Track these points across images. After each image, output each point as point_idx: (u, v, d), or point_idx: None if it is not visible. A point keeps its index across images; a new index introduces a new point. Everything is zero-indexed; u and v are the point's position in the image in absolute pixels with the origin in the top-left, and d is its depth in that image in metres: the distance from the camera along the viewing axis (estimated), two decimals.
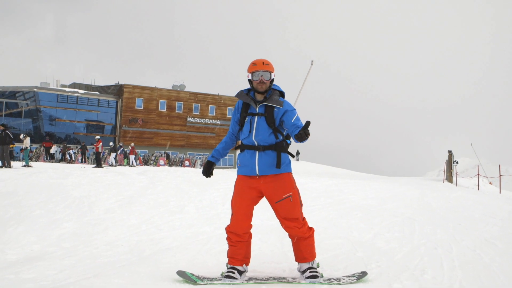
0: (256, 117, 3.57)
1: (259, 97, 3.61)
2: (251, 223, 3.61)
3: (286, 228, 3.57)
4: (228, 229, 3.58)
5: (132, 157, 28.47)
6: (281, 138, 3.59)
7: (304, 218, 3.60)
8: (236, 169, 3.74)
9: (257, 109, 3.58)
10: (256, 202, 3.64)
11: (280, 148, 3.57)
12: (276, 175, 3.55)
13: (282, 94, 3.73)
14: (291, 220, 3.51)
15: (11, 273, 3.90)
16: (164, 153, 38.92)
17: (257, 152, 3.55)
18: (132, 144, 29.78)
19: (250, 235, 3.61)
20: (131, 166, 25.53)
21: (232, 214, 3.60)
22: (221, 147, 3.78)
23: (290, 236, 3.65)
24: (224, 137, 3.84)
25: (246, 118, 3.61)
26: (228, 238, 3.60)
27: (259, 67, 3.55)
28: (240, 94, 3.66)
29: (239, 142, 3.75)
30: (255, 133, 3.56)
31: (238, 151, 3.74)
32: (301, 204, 3.60)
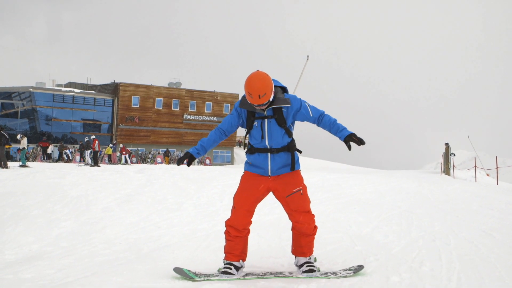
0: (266, 120, 3.48)
1: None
2: (252, 220, 3.59)
3: (296, 221, 3.52)
4: (228, 223, 3.53)
5: (125, 156, 28.79)
6: (292, 137, 3.58)
7: (313, 215, 3.58)
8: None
9: (265, 112, 3.48)
10: (261, 200, 3.61)
11: (292, 148, 3.56)
12: (287, 173, 3.55)
13: (284, 89, 3.63)
14: (302, 213, 3.48)
15: (10, 273, 3.89)
16: (167, 150, 38.83)
17: (269, 154, 3.52)
18: (122, 145, 30.15)
19: (248, 232, 3.60)
20: (123, 165, 25.70)
21: (234, 208, 3.55)
22: (208, 144, 3.60)
23: (293, 229, 3.61)
24: (212, 132, 3.65)
25: (255, 122, 3.51)
26: (226, 232, 3.56)
27: (255, 101, 3.32)
28: (243, 103, 3.49)
29: (247, 143, 3.65)
30: (269, 138, 3.50)
31: (244, 149, 3.70)
32: (309, 200, 3.61)
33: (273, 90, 3.39)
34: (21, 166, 17.09)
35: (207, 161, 40.10)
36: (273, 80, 3.55)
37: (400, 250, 4.50)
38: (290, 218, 3.58)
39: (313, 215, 3.57)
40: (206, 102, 48.24)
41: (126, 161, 28.58)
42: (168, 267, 3.78)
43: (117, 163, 28.17)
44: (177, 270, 3.53)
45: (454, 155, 21.61)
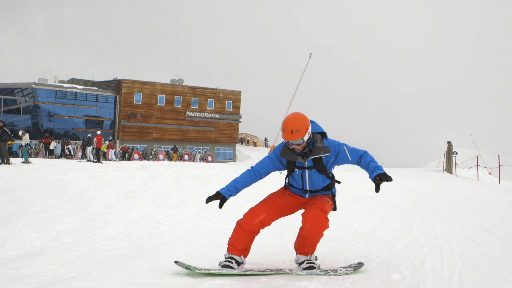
0: (307, 170, 3.55)
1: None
2: (270, 224, 3.57)
3: (307, 219, 3.43)
4: (247, 212, 3.55)
5: (111, 151, 29.04)
6: (331, 176, 3.63)
7: (328, 219, 3.51)
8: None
9: (306, 163, 3.52)
10: (289, 209, 3.69)
11: (332, 187, 3.66)
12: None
13: (323, 134, 3.60)
14: (319, 211, 3.45)
15: (12, 268, 3.90)
16: (175, 146, 38.98)
17: (309, 193, 3.67)
18: (108, 141, 30.52)
19: (258, 231, 3.57)
20: (109, 161, 25.84)
21: (263, 200, 3.65)
22: (242, 186, 3.63)
23: (301, 229, 3.52)
24: (246, 172, 3.66)
25: (296, 171, 3.59)
26: (239, 222, 3.53)
27: (288, 137, 3.37)
28: (284, 152, 3.52)
29: (286, 183, 3.79)
30: (310, 185, 3.61)
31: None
32: (329, 211, 3.61)
33: (309, 131, 3.41)
34: (23, 162, 17.13)
35: (209, 158, 40.09)
36: (313, 123, 3.57)
37: (401, 248, 4.50)
38: (303, 214, 3.50)
39: (327, 220, 3.46)
40: (208, 99, 48.20)
41: (110, 158, 28.78)
42: (169, 264, 3.79)
43: (109, 160, 28.26)
44: (178, 263, 3.54)
45: (456, 153, 21.56)
